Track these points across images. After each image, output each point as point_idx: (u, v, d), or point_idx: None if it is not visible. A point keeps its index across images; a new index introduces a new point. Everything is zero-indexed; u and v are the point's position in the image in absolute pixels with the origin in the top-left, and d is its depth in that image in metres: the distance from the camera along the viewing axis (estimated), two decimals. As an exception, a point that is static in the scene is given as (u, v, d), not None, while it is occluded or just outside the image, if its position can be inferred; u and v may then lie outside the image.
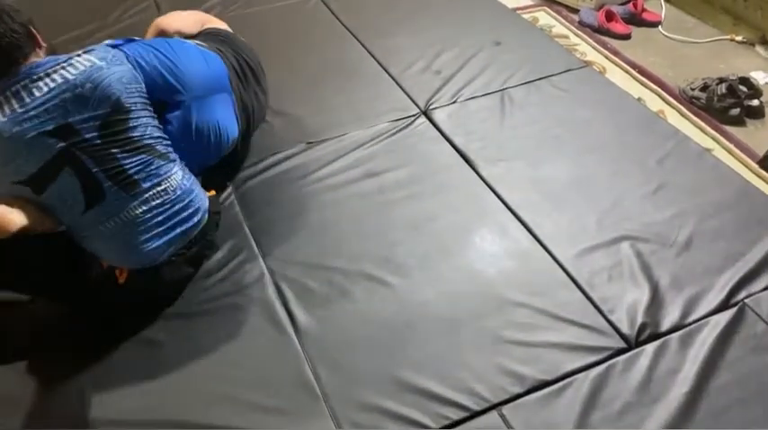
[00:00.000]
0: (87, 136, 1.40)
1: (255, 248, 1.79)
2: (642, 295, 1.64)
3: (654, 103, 2.51)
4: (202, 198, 1.63)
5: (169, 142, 1.57)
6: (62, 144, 1.38)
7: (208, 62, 1.75)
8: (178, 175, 1.55)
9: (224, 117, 1.76)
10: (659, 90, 2.55)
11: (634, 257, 1.73)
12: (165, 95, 1.59)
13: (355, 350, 1.53)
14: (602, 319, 1.60)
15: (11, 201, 1.37)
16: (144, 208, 1.48)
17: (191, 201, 1.57)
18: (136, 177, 1.46)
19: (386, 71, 2.50)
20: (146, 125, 1.49)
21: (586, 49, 2.75)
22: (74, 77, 1.38)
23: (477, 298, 1.64)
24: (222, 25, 2.05)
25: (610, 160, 2.05)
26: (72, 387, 1.48)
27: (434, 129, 2.19)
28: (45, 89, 1.36)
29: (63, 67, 1.38)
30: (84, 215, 1.44)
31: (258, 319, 1.61)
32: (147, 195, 1.48)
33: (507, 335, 1.56)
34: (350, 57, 2.56)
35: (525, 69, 2.46)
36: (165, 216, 1.51)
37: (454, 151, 2.10)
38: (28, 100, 1.35)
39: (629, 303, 1.62)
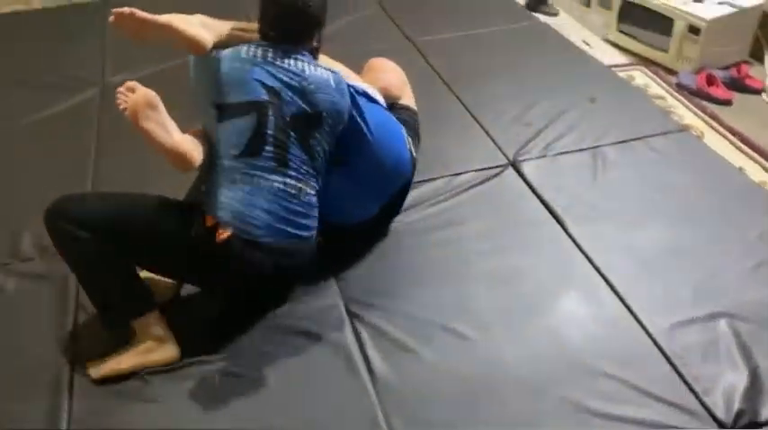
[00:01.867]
0: (285, 109, 1.61)
1: (336, 286, 1.78)
2: (740, 378, 1.52)
3: (756, 173, 2.39)
4: (316, 225, 1.68)
5: (321, 170, 1.69)
6: (266, 98, 1.59)
7: (400, 154, 1.90)
8: (313, 190, 1.66)
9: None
10: (762, 160, 2.43)
11: (732, 336, 1.62)
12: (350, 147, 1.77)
13: (431, 405, 1.48)
14: (694, 399, 1.50)
15: (196, 133, 1.65)
16: (276, 185, 1.58)
17: (308, 215, 1.64)
18: (290, 162, 1.60)
19: (475, 119, 2.48)
20: (324, 143, 1.66)
21: (684, 112, 2.66)
22: (309, 76, 1.63)
23: (561, 363, 1.57)
24: (411, 99, 2.15)
25: (707, 230, 1.95)
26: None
27: (522, 182, 2.15)
28: (288, 64, 1.62)
29: (310, 64, 1.65)
30: (235, 159, 1.58)
31: (334, 360, 1.58)
32: (286, 179, 1.60)
33: (591, 405, 1.47)
34: (439, 102, 2.55)
35: (620, 128, 2.39)
36: (283, 206, 1.59)
37: (542, 206, 2.04)
38: (275, 59, 1.62)
39: (725, 385, 1.51)
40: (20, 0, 3.59)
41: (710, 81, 2.82)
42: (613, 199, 2.06)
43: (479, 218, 2.00)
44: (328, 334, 1.64)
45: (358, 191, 1.84)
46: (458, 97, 2.60)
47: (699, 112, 2.67)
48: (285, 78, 1.61)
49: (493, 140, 2.37)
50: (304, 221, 1.63)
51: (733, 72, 2.86)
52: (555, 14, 3.56)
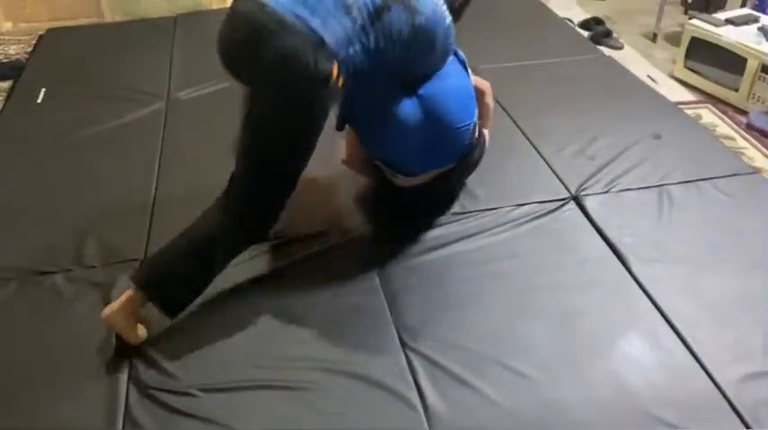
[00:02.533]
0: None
1: (389, 313, 1.75)
2: (815, 441, 1.44)
3: (830, 221, 2.28)
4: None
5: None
6: None
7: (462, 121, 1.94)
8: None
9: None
10: (836, 208, 2.32)
11: (808, 394, 1.53)
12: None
13: (486, 443, 1.43)
14: (764, 459, 1.42)
15: None
16: None
17: None
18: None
19: (537, 151, 2.44)
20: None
21: (755, 154, 2.57)
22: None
23: (622, 409, 1.50)
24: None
25: (783, 282, 1.86)
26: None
27: (584, 217, 2.09)
28: None
29: None
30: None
31: (386, 389, 1.55)
32: None
33: (653, 457, 1.41)
34: (501, 132, 2.50)
35: (686, 167, 2.32)
36: None
37: (604, 244, 1.98)
38: None
39: (799, 447, 1.43)
40: (92, 14, 3.71)
41: (783, 123, 2.74)
42: (679, 240, 1.99)
43: (539, 251, 1.96)
44: (380, 362, 1.61)
45: (405, 129, 1.84)
46: (519, 128, 2.57)
47: (770, 155, 2.58)
48: None
49: (555, 173, 2.32)
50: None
51: (807, 114, 2.77)
52: (620, 48, 3.51)
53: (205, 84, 2.93)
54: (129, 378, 1.59)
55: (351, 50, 1.52)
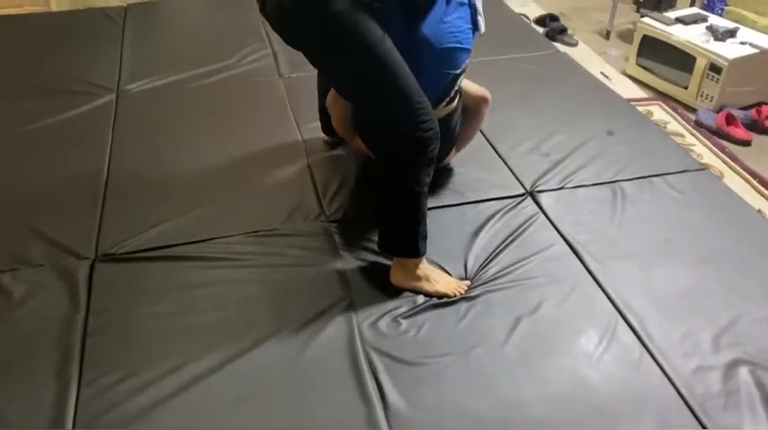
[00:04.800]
0: None
1: (353, 313, 1.74)
2: (762, 431, 1.49)
3: (775, 216, 2.36)
4: None
5: None
6: None
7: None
8: None
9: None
10: (780, 204, 2.41)
11: (754, 386, 1.58)
12: None
13: (445, 441, 1.44)
14: (715, 449, 1.46)
15: None
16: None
17: None
18: None
19: (492, 147, 2.46)
20: None
21: (702, 150, 2.64)
22: None
23: (581, 405, 1.52)
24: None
25: (728, 273, 1.92)
26: None
27: (542, 214, 2.12)
28: None
29: None
30: None
31: (345, 384, 1.54)
32: None
33: (609, 450, 1.44)
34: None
35: (639, 163, 2.37)
36: None
37: (562, 240, 2.01)
38: None
39: (747, 437, 1.48)
40: (38, 2, 3.57)
41: (730, 121, 2.81)
42: (633, 237, 2.03)
43: (497, 248, 1.97)
44: (340, 357, 1.60)
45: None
46: (476, 123, 2.58)
47: (718, 152, 2.65)
48: None
49: (510, 169, 2.34)
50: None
51: (753, 113, 2.84)
52: (574, 45, 3.56)
53: (156, 76, 2.86)
54: (79, 378, 1.55)
55: None
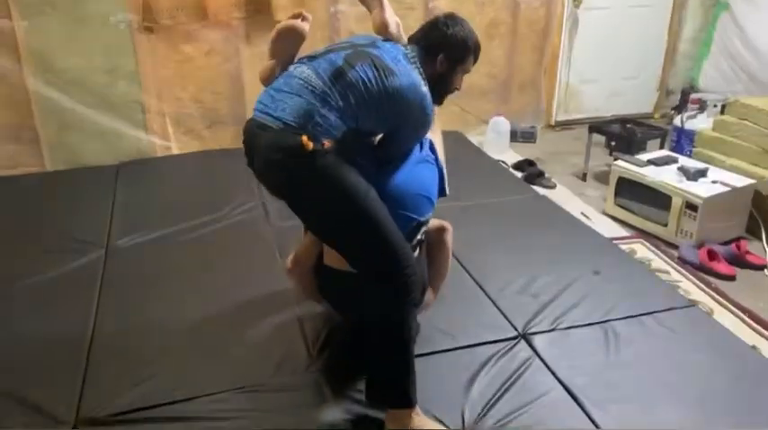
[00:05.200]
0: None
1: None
2: None
3: (769, 352, 2.34)
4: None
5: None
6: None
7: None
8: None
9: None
10: (774, 339, 2.39)
11: None
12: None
13: None
14: None
15: None
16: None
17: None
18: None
19: (481, 288, 2.47)
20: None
21: (689, 287, 2.66)
22: (401, 68, 1.78)
23: None
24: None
25: (730, 413, 1.87)
26: None
27: (537, 358, 2.08)
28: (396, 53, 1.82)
29: (413, 66, 1.82)
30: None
31: None
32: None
33: None
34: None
35: (628, 303, 2.37)
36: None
37: (559, 385, 1.96)
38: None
39: None
40: (35, 162, 3.69)
41: (712, 256, 2.86)
42: (631, 379, 1.99)
43: (496, 398, 1.91)
44: None
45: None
46: (463, 266, 2.59)
47: (705, 288, 2.67)
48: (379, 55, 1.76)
49: (501, 311, 2.33)
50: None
51: (733, 248, 2.90)
52: (552, 187, 3.68)
53: (146, 230, 2.90)
54: None
55: (317, 118, 1.66)
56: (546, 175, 3.81)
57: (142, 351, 2.13)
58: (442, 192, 2.04)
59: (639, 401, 1.90)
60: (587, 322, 2.27)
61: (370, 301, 1.75)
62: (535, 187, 3.62)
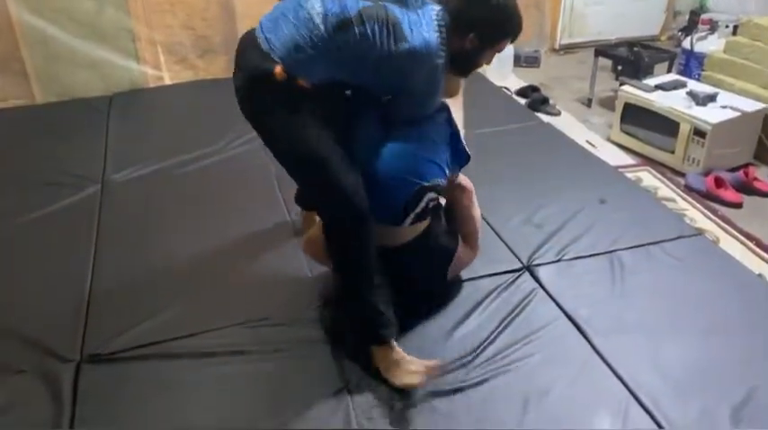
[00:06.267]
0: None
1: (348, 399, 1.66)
2: None
3: (775, 279, 2.32)
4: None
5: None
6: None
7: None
8: None
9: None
10: (780, 266, 2.37)
11: (780, 466, 1.50)
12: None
13: None
14: None
15: None
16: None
17: None
18: None
19: (485, 220, 2.42)
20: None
21: (696, 215, 2.62)
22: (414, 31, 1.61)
23: (598, 496, 1.44)
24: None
25: (738, 344, 1.86)
26: None
27: (541, 289, 2.06)
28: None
29: (428, 27, 1.63)
30: None
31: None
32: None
33: None
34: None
35: (634, 232, 2.34)
36: None
37: (563, 315, 1.95)
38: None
39: None
40: (22, 95, 3.58)
41: (719, 184, 2.80)
42: (636, 309, 1.98)
43: (499, 328, 1.90)
44: None
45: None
46: (466, 197, 2.55)
47: (711, 216, 2.62)
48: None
49: (505, 243, 2.30)
50: None
51: (741, 175, 2.84)
52: (557, 114, 3.59)
53: (141, 164, 2.84)
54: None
55: (302, 56, 1.60)
56: (550, 102, 3.71)
57: (143, 287, 2.11)
58: (459, 159, 1.90)
59: (645, 331, 1.89)
60: (593, 252, 2.24)
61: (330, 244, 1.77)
62: (539, 114, 3.53)
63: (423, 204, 1.81)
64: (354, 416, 1.62)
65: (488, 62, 1.82)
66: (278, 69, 1.60)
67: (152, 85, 3.76)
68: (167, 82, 3.82)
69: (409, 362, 1.71)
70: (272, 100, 1.65)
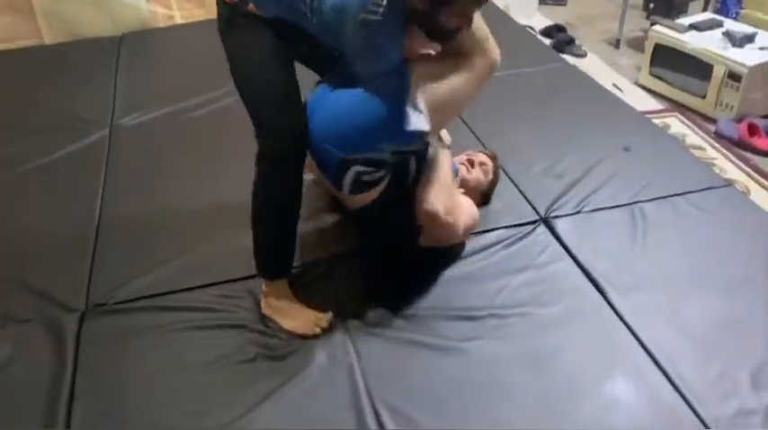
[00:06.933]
0: None
1: (356, 365, 1.61)
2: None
3: (808, 233, 2.20)
4: None
5: None
6: None
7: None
8: None
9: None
10: (813, 218, 2.25)
11: (801, 431, 1.44)
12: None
13: None
14: None
15: None
16: None
17: None
18: None
19: (503, 170, 2.32)
20: None
21: (725, 164, 2.50)
22: None
23: (609, 457, 1.39)
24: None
25: (763, 301, 1.77)
26: None
27: (557, 242, 1.98)
28: None
29: None
30: None
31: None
32: None
33: None
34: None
35: (659, 182, 2.22)
36: None
37: (580, 271, 1.87)
38: None
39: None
40: (30, 35, 3.50)
41: (753, 131, 2.66)
42: (657, 263, 1.89)
43: (512, 284, 1.83)
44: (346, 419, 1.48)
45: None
46: (483, 145, 2.44)
47: (742, 165, 2.50)
48: None
49: (522, 194, 2.21)
50: None
51: (776, 121, 2.71)
52: (583, 56, 3.43)
53: (150, 108, 2.76)
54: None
55: None
56: (576, 42, 3.54)
57: (150, 236, 2.06)
58: (400, 134, 1.63)
59: (667, 289, 1.80)
60: (614, 204, 2.13)
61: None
62: (564, 56, 3.37)
63: (350, 177, 1.67)
64: (362, 378, 1.58)
65: (458, 26, 1.56)
66: None
67: (162, 24, 3.64)
68: (178, 21, 3.70)
69: (300, 311, 1.70)
70: (225, 21, 1.65)
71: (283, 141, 1.63)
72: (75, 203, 2.20)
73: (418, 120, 1.62)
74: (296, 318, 1.69)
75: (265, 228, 1.71)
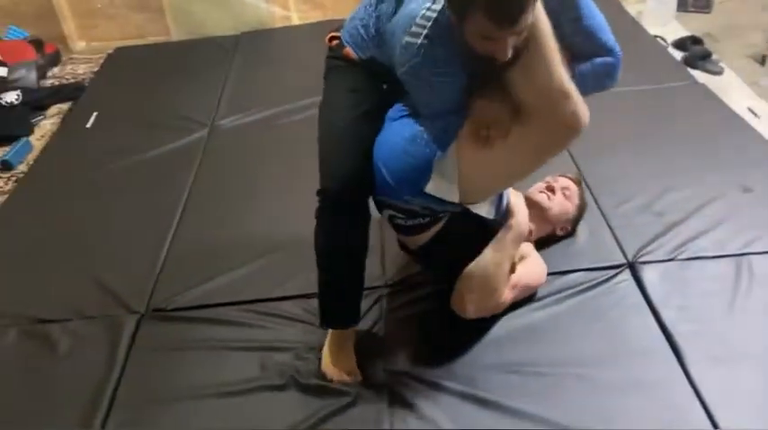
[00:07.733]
0: None
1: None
2: None
3: None
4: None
5: None
6: None
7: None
8: None
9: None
10: None
11: None
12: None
13: None
14: None
15: None
16: None
17: None
18: None
19: (595, 201, 2.11)
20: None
21: None
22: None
23: None
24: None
25: None
26: None
27: (639, 293, 1.77)
28: None
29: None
30: None
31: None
32: None
33: None
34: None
35: (778, 233, 1.93)
36: None
37: (660, 330, 1.65)
38: None
39: None
40: (162, 31, 3.71)
41: None
42: (757, 333, 1.63)
43: (581, 335, 1.66)
44: None
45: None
46: (580, 170, 2.22)
47: None
48: None
49: (611, 230, 1.99)
50: None
51: None
52: (719, 73, 3.05)
53: (251, 110, 2.82)
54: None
55: (350, 24, 1.57)
56: (713, 57, 3.16)
57: (223, 245, 2.09)
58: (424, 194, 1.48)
59: (758, 365, 1.54)
60: (717, 254, 1.87)
61: None
62: (696, 72, 3.02)
63: (386, 217, 1.63)
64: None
65: (487, 51, 1.28)
66: (332, 33, 1.62)
67: (279, 24, 3.72)
68: (295, 22, 3.76)
69: (346, 362, 1.63)
70: (326, 62, 1.66)
71: (336, 181, 1.54)
72: (158, 205, 2.29)
73: (441, 187, 1.46)
74: (336, 367, 1.62)
75: (321, 275, 1.63)
